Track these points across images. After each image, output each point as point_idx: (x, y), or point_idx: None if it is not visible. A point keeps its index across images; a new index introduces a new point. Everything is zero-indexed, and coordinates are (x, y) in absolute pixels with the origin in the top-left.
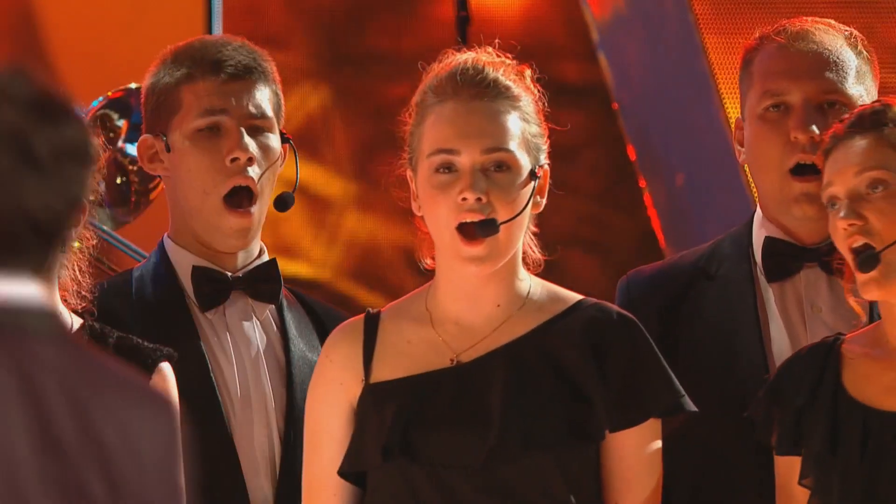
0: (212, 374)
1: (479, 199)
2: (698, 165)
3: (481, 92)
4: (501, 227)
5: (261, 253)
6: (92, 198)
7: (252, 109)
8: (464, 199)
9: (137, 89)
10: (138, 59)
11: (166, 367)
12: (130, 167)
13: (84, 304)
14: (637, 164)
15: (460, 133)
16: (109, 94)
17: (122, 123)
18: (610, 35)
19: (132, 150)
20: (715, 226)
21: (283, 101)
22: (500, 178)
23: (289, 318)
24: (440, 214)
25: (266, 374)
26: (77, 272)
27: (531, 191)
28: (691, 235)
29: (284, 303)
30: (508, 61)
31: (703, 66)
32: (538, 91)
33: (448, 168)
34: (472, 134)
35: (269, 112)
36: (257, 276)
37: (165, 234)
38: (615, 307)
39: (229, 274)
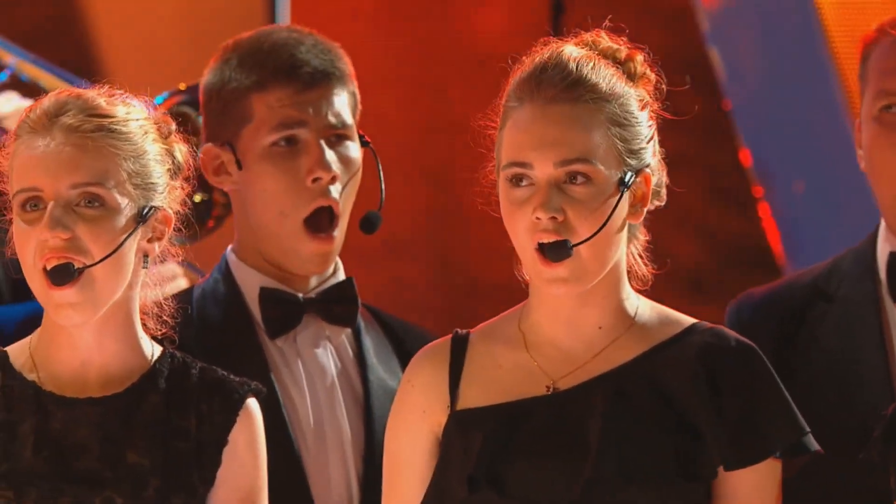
0: (283, 409)
1: (553, 219)
2: (821, 171)
3: (560, 94)
4: (581, 247)
5: (335, 270)
6: (177, 208)
7: (332, 119)
8: (537, 218)
9: (190, 88)
10: (192, 53)
11: (253, 405)
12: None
13: (164, 330)
14: (752, 170)
15: (533, 143)
16: (181, 86)
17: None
18: (721, 26)
19: None
20: (839, 240)
21: (359, 101)
22: (579, 192)
23: (367, 342)
24: (519, 233)
25: (342, 406)
26: (160, 294)
27: (619, 202)
28: (813, 250)
29: (362, 324)
30: (617, 46)
31: (826, 59)
32: (653, 78)
33: (523, 181)
34: (545, 144)
35: (349, 119)
36: (332, 296)
37: (229, 248)
38: (733, 333)
39: (301, 296)
